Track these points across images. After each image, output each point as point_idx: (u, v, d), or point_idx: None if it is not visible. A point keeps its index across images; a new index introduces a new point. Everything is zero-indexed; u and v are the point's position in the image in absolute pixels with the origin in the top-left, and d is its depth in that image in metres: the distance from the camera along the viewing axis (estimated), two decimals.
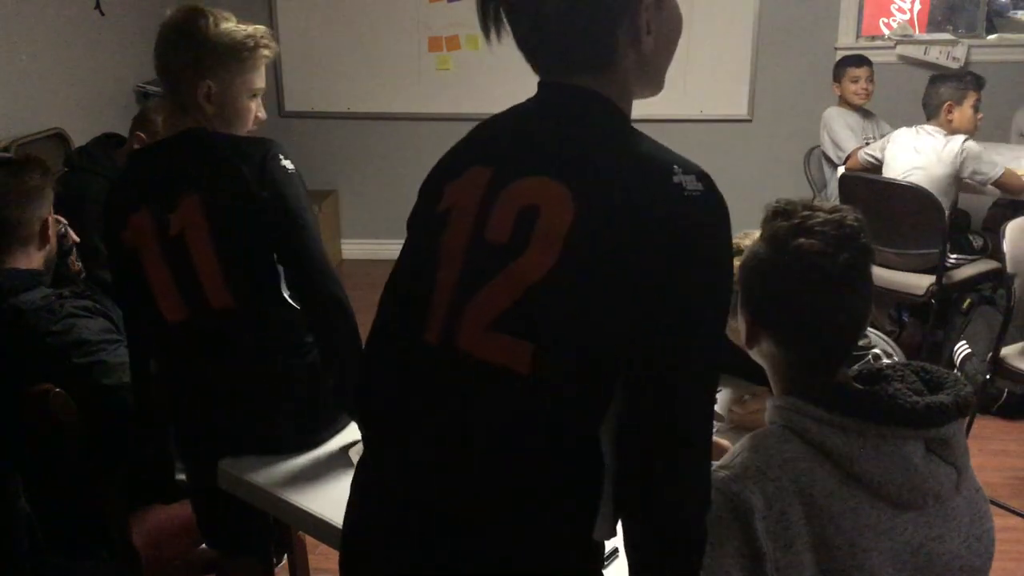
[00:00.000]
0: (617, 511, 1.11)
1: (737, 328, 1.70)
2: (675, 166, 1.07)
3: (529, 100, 1.21)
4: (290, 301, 1.86)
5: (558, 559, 1.14)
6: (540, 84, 1.20)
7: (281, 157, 1.81)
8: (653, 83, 1.22)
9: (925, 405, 1.20)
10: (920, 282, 3.89)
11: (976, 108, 3.97)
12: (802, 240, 1.24)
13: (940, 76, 4.13)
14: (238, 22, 1.88)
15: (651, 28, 1.15)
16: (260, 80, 1.90)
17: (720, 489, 1.18)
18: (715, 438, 1.70)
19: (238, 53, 1.84)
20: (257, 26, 1.90)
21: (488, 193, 1.15)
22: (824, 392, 1.21)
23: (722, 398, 2.01)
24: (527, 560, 1.13)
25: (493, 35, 1.19)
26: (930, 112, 3.99)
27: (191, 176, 1.81)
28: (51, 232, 2.24)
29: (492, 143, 1.23)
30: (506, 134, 1.22)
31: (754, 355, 1.38)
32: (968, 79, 4.03)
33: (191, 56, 1.82)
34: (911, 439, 1.19)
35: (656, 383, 1.05)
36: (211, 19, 1.83)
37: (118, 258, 1.91)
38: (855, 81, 4.68)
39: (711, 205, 1.06)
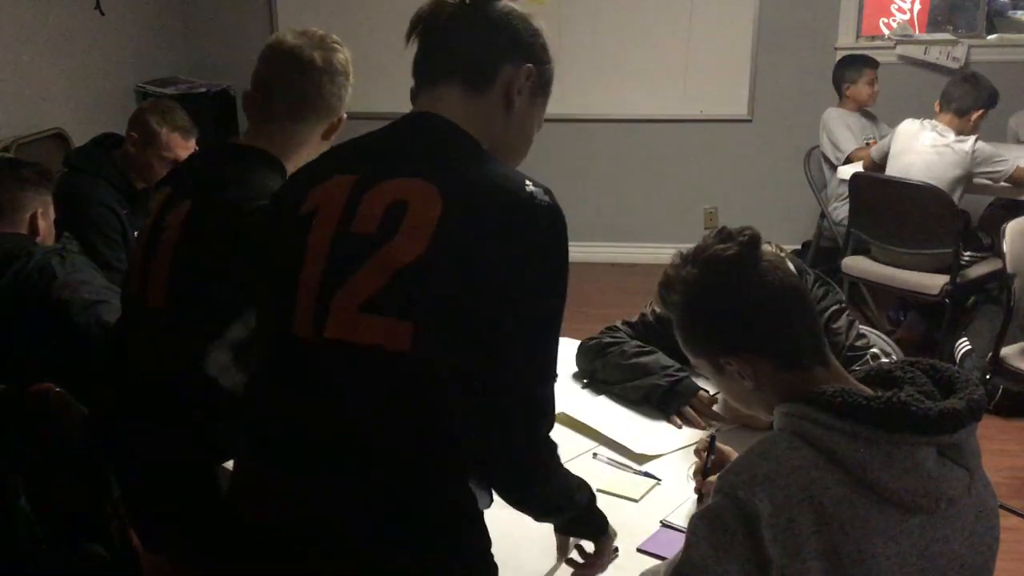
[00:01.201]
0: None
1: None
2: (527, 181, 1.24)
3: (390, 125, 1.34)
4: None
5: (443, 535, 1.25)
6: (403, 115, 1.35)
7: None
8: (512, 152, 1.40)
9: (938, 412, 1.18)
10: (934, 281, 3.89)
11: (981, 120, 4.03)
12: (741, 243, 1.32)
13: (976, 77, 4.10)
14: None
15: (521, 96, 1.36)
16: None
17: (728, 495, 1.18)
18: (719, 445, 1.71)
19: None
20: None
21: (353, 194, 1.26)
22: (834, 398, 1.20)
23: (723, 398, 2.02)
24: (414, 542, 1.23)
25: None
26: (956, 108, 3.97)
27: (196, 182, 1.83)
28: (43, 231, 2.34)
29: (355, 155, 1.34)
30: (369, 148, 1.34)
31: (727, 389, 1.38)
32: (995, 93, 4.05)
33: (338, 90, 1.87)
34: (923, 445, 1.18)
35: (506, 351, 1.21)
36: (344, 50, 1.90)
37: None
38: (871, 84, 4.68)
39: (556, 213, 1.23)
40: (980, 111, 3.97)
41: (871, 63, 4.74)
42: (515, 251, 1.19)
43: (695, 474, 1.71)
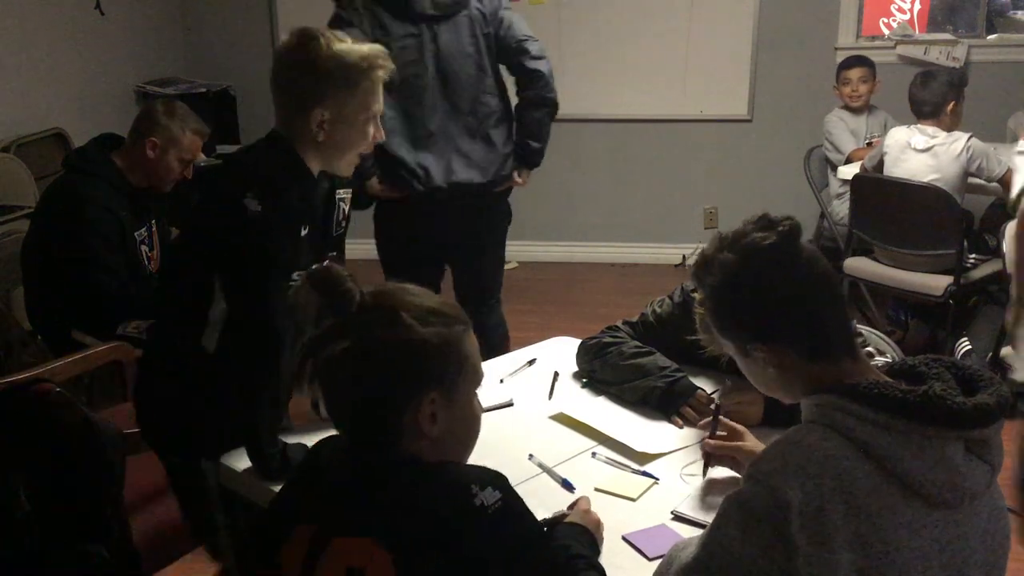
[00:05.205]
0: None
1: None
2: (473, 486, 1.20)
3: (342, 471, 1.30)
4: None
5: None
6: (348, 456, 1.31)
7: (248, 196, 1.72)
8: (462, 445, 1.35)
9: (972, 406, 1.19)
10: (938, 283, 3.88)
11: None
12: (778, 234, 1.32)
13: (930, 74, 4.11)
14: (353, 41, 1.84)
15: (436, 423, 1.26)
16: (377, 103, 1.85)
17: (760, 482, 1.19)
18: (725, 420, 1.77)
19: (351, 77, 1.80)
20: (373, 45, 1.85)
21: (311, 552, 1.23)
22: (869, 391, 1.21)
23: (719, 398, 2.02)
24: None
25: None
26: (931, 111, 3.97)
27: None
28: None
29: (313, 496, 1.31)
30: (327, 483, 1.31)
31: (751, 373, 1.39)
32: (956, 75, 4.03)
33: (304, 83, 1.79)
34: (953, 440, 1.19)
35: None
36: (322, 42, 1.79)
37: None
38: (846, 84, 4.71)
39: (516, 511, 1.23)
40: (952, 102, 3.95)
41: (844, 64, 4.77)
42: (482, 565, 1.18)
43: (703, 442, 1.76)
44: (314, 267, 1.33)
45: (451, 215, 3.05)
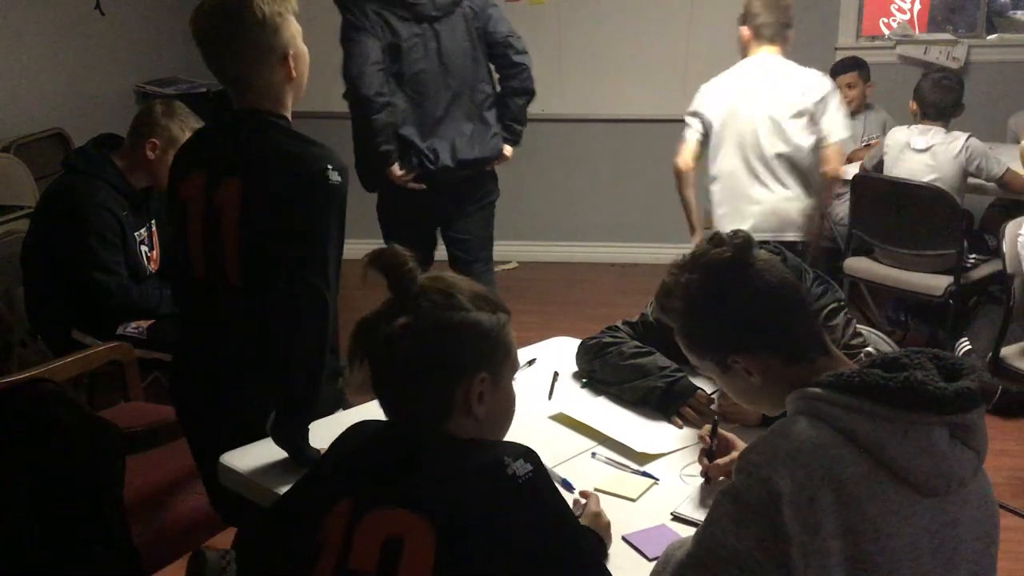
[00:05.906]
0: None
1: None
2: (506, 458, 1.25)
3: (377, 441, 1.35)
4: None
5: None
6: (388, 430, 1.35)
7: (330, 169, 1.80)
8: (498, 428, 1.39)
9: (954, 391, 1.21)
10: (938, 283, 3.89)
11: None
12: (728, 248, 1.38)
13: (941, 78, 4.10)
14: None
15: (482, 403, 1.33)
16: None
17: (751, 473, 1.21)
18: (721, 431, 1.75)
19: (289, 15, 1.92)
20: None
21: (349, 523, 1.26)
22: (852, 379, 1.23)
23: (720, 398, 2.02)
24: None
25: None
26: (935, 114, 3.96)
27: (241, 159, 1.88)
28: None
29: (351, 472, 1.34)
30: (365, 460, 1.34)
31: (734, 387, 1.42)
32: (962, 91, 4.04)
33: (268, 38, 1.87)
34: (937, 425, 1.21)
35: None
36: (251, 5, 1.86)
37: (174, 203, 1.99)
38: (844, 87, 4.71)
39: (545, 483, 1.26)
40: (961, 103, 3.96)
41: (834, 70, 4.75)
42: (517, 538, 1.21)
43: (700, 457, 1.75)
44: (375, 249, 1.38)
45: (451, 189, 3.45)
